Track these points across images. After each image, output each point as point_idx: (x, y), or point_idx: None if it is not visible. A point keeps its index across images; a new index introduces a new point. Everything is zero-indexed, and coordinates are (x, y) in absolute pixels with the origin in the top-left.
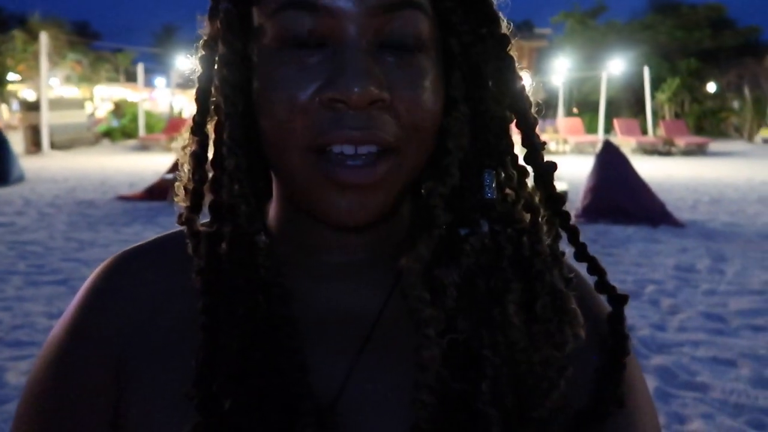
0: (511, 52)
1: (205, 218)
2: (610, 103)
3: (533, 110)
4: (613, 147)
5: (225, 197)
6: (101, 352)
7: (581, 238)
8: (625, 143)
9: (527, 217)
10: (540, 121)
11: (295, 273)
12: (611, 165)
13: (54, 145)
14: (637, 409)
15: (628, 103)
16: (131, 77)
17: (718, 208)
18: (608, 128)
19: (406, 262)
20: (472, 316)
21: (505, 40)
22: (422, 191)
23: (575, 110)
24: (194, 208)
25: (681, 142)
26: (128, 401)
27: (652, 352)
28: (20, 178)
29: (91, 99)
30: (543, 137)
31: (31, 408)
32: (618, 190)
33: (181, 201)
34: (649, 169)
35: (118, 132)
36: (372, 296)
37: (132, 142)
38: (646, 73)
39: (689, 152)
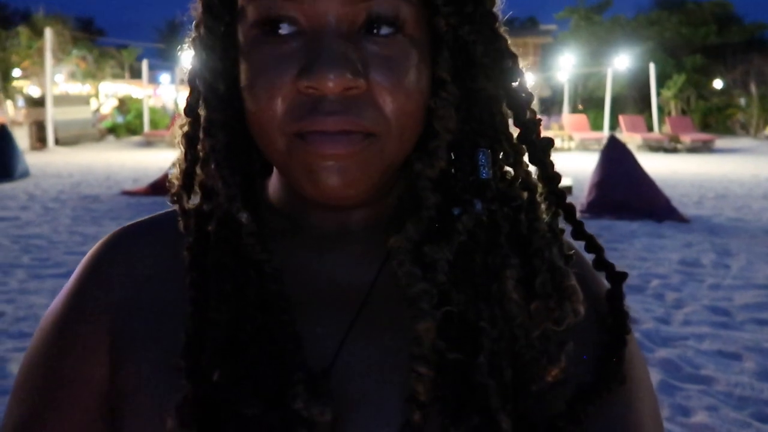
0: (501, 30)
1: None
2: (615, 100)
3: (525, 87)
4: (618, 142)
5: (207, 177)
6: (96, 322)
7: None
8: (631, 140)
9: (525, 195)
10: (545, 118)
11: (292, 245)
12: (616, 160)
13: (59, 141)
14: (636, 384)
15: (633, 100)
16: (136, 73)
17: (724, 203)
18: (613, 125)
19: (394, 242)
20: (469, 291)
21: (491, 18)
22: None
23: (580, 106)
24: (185, 186)
25: (687, 138)
26: (121, 372)
27: (657, 346)
28: (25, 174)
29: (96, 95)
30: (548, 134)
31: (28, 376)
32: (623, 186)
33: (174, 180)
34: (655, 165)
35: (122, 128)
36: (367, 267)
37: (136, 138)
38: (652, 69)
39: (695, 149)
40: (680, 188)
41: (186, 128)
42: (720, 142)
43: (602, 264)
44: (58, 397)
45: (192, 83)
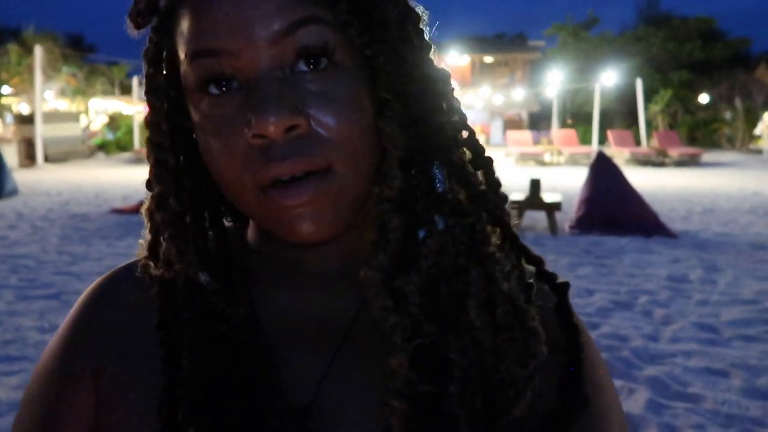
0: (421, 47)
1: None
2: (603, 115)
3: (456, 107)
4: (605, 158)
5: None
6: (83, 365)
7: (576, 249)
8: (619, 154)
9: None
10: (534, 133)
11: (272, 284)
12: (604, 176)
13: (48, 158)
14: (603, 407)
15: (621, 115)
16: (126, 90)
17: (711, 218)
18: (602, 139)
19: (365, 273)
20: (438, 320)
21: (408, 39)
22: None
23: (569, 121)
24: (151, 257)
25: (674, 152)
26: (104, 412)
27: (645, 363)
28: (14, 192)
29: (86, 112)
30: (538, 148)
31: (23, 416)
32: (611, 201)
33: (142, 250)
34: (643, 179)
35: (112, 145)
36: (347, 303)
37: (127, 154)
38: (639, 84)
39: (682, 163)
40: (668, 203)
41: (150, 205)
42: (707, 156)
43: (543, 275)
44: None
45: (155, 157)
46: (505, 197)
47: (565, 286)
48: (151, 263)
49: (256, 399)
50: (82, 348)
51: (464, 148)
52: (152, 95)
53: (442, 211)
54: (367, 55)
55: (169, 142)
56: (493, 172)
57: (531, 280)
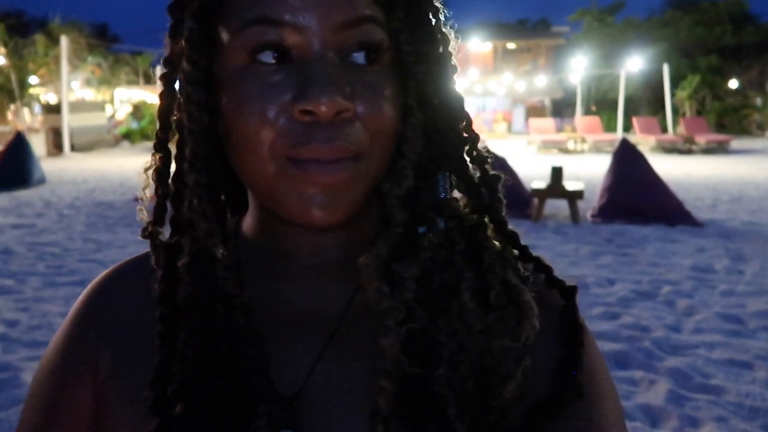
0: (450, 69)
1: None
2: (628, 101)
3: (469, 126)
4: (629, 145)
5: (185, 211)
6: (82, 359)
7: (598, 238)
8: (644, 141)
9: (475, 217)
10: (557, 120)
11: (267, 276)
12: (628, 164)
13: (75, 147)
14: (597, 397)
15: (647, 101)
16: (150, 79)
17: (738, 207)
18: (627, 126)
19: (364, 260)
20: (429, 307)
21: (442, 61)
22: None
23: (593, 108)
24: (157, 221)
25: (701, 139)
26: (103, 405)
27: (667, 354)
28: (41, 180)
29: (111, 101)
30: (561, 136)
31: (26, 409)
32: (634, 189)
33: (143, 216)
34: (669, 167)
35: (137, 134)
36: (340, 294)
37: (151, 143)
38: (666, 70)
39: (710, 150)
40: (694, 191)
41: (157, 163)
42: (735, 143)
43: (552, 281)
44: (54, 429)
45: (164, 118)
46: (503, 222)
47: (573, 289)
48: (156, 229)
49: (245, 384)
50: (82, 340)
51: (475, 165)
52: (194, 50)
53: (442, 213)
54: (405, 63)
55: (205, 101)
56: (496, 191)
57: (527, 274)
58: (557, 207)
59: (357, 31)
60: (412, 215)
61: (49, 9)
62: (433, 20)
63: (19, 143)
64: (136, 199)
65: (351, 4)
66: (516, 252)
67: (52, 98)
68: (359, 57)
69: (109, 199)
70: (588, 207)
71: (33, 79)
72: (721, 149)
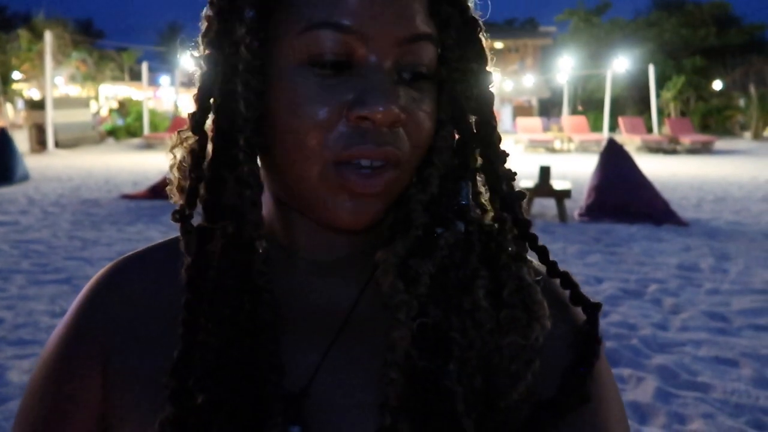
0: (490, 90)
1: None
2: (614, 102)
3: (499, 146)
4: (616, 145)
5: (230, 200)
6: (91, 349)
7: (585, 237)
8: (630, 141)
9: (495, 226)
10: (544, 120)
11: (281, 273)
12: (614, 163)
13: (59, 144)
14: (602, 402)
15: (633, 101)
16: (136, 76)
17: (723, 206)
18: (613, 126)
19: (381, 255)
20: (443, 304)
21: (488, 78)
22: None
23: (580, 108)
24: (190, 205)
25: (686, 140)
26: (113, 395)
27: (654, 352)
28: (25, 177)
29: (96, 98)
30: (547, 135)
31: (30, 401)
32: (621, 189)
33: (176, 199)
34: (654, 167)
35: (122, 131)
36: (349, 290)
37: (136, 140)
38: (651, 71)
39: (694, 150)
40: (679, 191)
41: (193, 146)
42: (719, 144)
43: (577, 298)
44: (60, 422)
45: (203, 100)
46: (533, 237)
47: (597, 306)
48: (191, 214)
49: (260, 386)
50: (88, 335)
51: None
52: (255, 40)
53: (463, 218)
54: (446, 78)
55: (262, 90)
56: (520, 207)
57: (539, 278)
58: (545, 206)
59: (415, 47)
60: (432, 218)
61: (32, 4)
62: (482, 40)
63: (2, 139)
64: (122, 197)
65: (412, 21)
66: (535, 262)
67: (35, 94)
68: (412, 72)
69: (94, 197)
70: (575, 206)
71: (16, 75)
72: (706, 149)
